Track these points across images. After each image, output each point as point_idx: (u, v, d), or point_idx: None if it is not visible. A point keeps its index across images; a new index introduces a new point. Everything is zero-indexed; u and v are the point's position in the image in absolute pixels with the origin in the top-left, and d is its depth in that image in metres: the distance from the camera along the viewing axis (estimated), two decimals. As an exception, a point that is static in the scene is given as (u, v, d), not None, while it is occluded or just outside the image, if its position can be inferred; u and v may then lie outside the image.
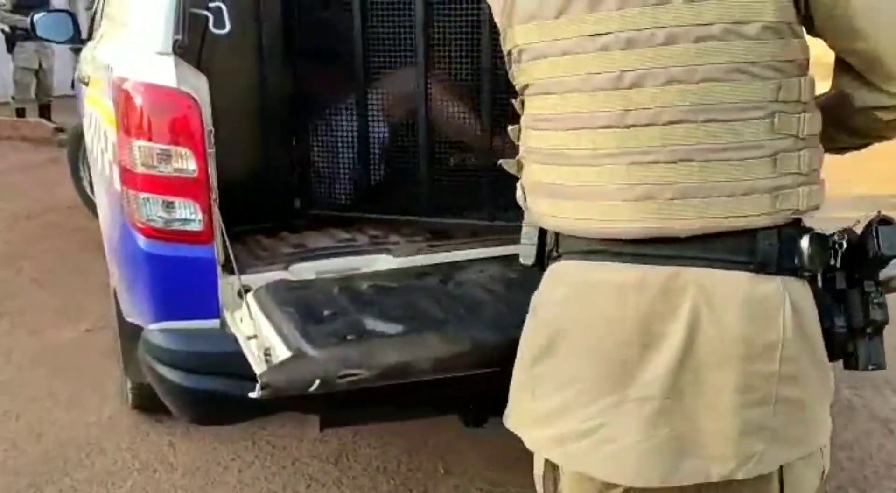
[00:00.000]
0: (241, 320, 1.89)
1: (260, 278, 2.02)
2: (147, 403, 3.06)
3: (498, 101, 2.15)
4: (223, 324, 1.97)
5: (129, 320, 2.47)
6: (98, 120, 2.42)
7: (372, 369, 1.51)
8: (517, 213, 1.45)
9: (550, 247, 1.32)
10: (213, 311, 1.97)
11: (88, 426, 3.12)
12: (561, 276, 1.29)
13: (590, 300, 1.22)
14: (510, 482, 2.76)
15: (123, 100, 1.91)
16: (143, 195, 1.89)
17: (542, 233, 1.34)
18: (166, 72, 1.84)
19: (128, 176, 1.91)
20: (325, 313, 1.75)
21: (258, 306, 1.77)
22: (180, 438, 3.04)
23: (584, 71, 1.17)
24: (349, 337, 1.61)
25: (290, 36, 2.21)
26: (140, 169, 1.88)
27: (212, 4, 1.91)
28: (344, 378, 1.48)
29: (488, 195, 2.21)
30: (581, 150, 1.20)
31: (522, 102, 1.32)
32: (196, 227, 1.91)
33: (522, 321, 1.66)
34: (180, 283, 1.94)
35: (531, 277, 1.95)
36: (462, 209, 2.27)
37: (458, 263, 2.06)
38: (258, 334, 1.70)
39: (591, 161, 1.19)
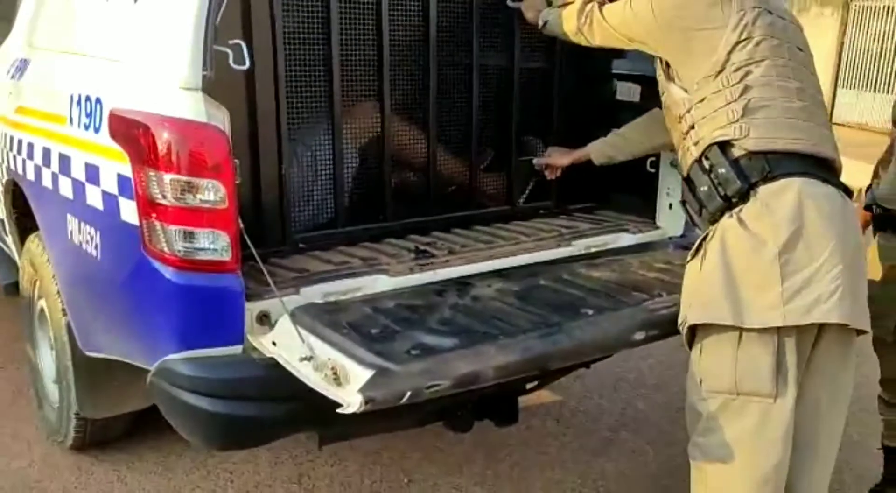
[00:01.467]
0: (275, 343, 1.97)
1: (275, 303, 2.10)
2: (96, 439, 2.98)
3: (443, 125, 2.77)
4: (245, 349, 2.04)
5: (104, 355, 2.46)
6: (70, 153, 2.36)
7: (450, 379, 1.66)
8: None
9: (758, 177, 1.95)
10: (237, 337, 2.03)
11: (24, 469, 2.98)
12: (787, 187, 1.93)
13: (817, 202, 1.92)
14: (471, 483, 2.96)
15: (145, 135, 1.93)
16: (174, 227, 1.93)
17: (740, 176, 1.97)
18: (196, 108, 1.90)
19: (154, 208, 1.94)
20: (374, 331, 1.88)
21: (304, 329, 1.86)
22: (128, 471, 2.99)
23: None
24: (414, 352, 1.75)
25: (277, 68, 2.32)
26: (170, 202, 1.92)
27: (231, 41, 1.98)
28: (430, 389, 1.62)
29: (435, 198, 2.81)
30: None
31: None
32: (225, 256, 1.97)
33: (555, 328, 1.90)
34: (208, 312, 1.98)
35: (530, 288, 2.19)
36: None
37: (461, 280, 2.25)
38: (312, 356, 1.79)
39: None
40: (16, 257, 3.25)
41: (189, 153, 1.90)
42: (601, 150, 2.80)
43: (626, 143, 2.73)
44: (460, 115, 2.81)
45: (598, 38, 2.39)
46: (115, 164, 2.09)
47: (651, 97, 2.97)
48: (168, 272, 1.96)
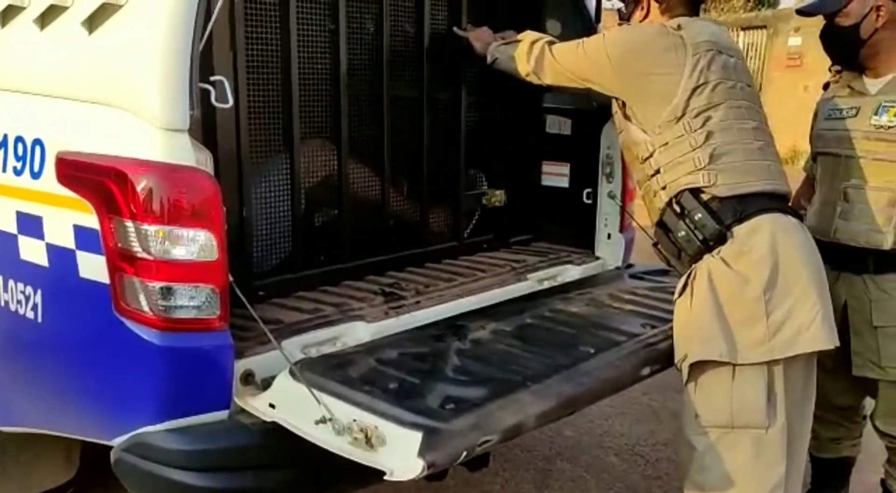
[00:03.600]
0: (273, 405, 1.80)
1: (258, 361, 1.93)
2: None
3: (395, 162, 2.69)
4: (232, 414, 1.86)
5: (24, 429, 2.18)
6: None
7: (499, 432, 1.58)
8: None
9: (732, 219, 2.01)
10: (224, 402, 1.84)
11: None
12: (759, 226, 2.01)
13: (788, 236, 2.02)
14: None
15: (119, 182, 1.72)
16: (155, 284, 1.72)
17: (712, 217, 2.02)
18: (183, 150, 1.71)
19: (132, 263, 1.72)
20: (392, 386, 1.76)
21: (314, 388, 1.71)
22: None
23: None
24: (449, 407, 1.65)
25: (238, 107, 2.17)
26: (153, 255, 1.71)
27: (213, 78, 1.82)
28: (482, 445, 1.53)
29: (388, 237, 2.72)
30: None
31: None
32: (213, 313, 1.78)
33: (574, 370, 1.87)
34: (195, 375, 1.78)
35: (522, 328, 2.16)
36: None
37: (452, 322, 2.17)
38: (332, 417, 1.65)
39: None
40: None
41: (176, 201, 1.71)
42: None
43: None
44: (411, 150, 2.74)
45: (549, 78, 2.37)
46: (69, 213, 1.85)
47: (581, 131, 3.06)
48: (148, 334, 1.74)
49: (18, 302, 2.01)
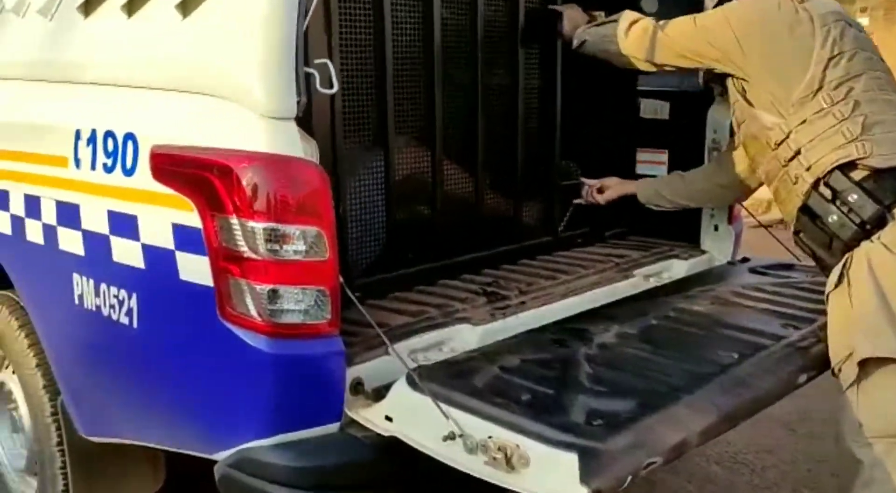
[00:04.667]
0: (390, 418, 1.64)
1: (367, 368, 1.78)
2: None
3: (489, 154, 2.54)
4: (343, 427, 1.70)
5: (116, 440, 2.06)
6: (79, 200, 1.95)
7: (663, 453, 1.40)
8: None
9: (893, 198, 1.81)
10: (336, 413, 1.69)
11: None
12: None
13: None
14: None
15: (223, 176, 1.58)
16: (265, 287, 1.58)
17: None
18: (291, 141, 1.57)
19: (239, 264, 1.58)
20: (525, 397, 1.58)
21: (438, 400, 1.55)
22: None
23: None
24: (596, 422, 1.47)
25: (333, 97, 2.02)
26: (262, 255, 1.57)
27: (317, 61, 1.66)
28: (647, 468, 1.35)
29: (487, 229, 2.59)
30: None
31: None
32: (325, 317, 1.63)
33: (723, 376, 1.68)
34: (307, 385, 1.64)
35: (648, 330, 1.97)
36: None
37: (566, 324, 2.00)
38: (462, 433, 1.48)
39: None
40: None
41: (284, 196, 1.56)
42: (654, 188, 2.60)
43: (686, 184, 2.54)
44: (505, 141, 2.57)
45: (660, 57, 2.20)
46: (167, 211, 1.71)
47: (681, 114, 2.85)
48: (257, 341, 1.60)
49: (111, 307, 1.89)
